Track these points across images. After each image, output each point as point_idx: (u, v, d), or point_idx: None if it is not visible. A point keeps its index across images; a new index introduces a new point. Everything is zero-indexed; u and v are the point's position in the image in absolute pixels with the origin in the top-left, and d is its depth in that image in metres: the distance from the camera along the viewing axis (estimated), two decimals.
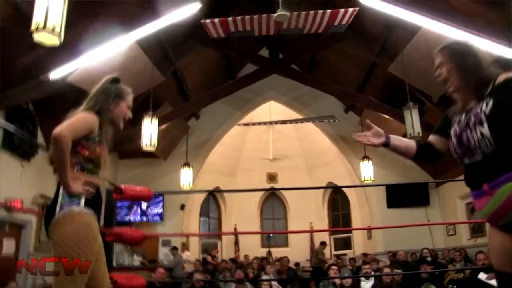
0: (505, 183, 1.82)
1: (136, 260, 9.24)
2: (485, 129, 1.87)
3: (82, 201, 2.19)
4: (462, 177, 2.09)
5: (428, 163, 2.38)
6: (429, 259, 7.87)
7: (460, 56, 2.03)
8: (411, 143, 2.35)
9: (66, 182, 2.14)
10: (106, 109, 2.39)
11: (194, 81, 10.22)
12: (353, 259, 10.64)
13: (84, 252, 2.08)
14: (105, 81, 2.48)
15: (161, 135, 8.00)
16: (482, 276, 6.06)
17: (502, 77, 1.93)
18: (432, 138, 2.31)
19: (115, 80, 2.51)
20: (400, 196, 11.03)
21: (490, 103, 1.88)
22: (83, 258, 2.07)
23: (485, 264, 6.21)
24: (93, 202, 2.24)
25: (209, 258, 11.12)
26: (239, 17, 6.10)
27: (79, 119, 2.23)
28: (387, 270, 6.52)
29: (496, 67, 2.00)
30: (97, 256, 2.20)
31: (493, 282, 5.71)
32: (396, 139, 2.35)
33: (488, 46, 5.60)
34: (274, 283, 7.14)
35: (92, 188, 2.24)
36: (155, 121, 7.41)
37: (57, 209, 2.15)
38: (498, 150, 1.85)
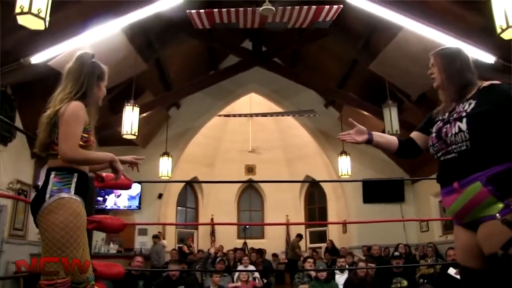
0: (473, 182, 1.93)
1: (113, 248, 9.21)
2: (463, 125, 2.00)
3: (72, 188, 2.18)
4: (436, 175, 2.21)
5: (408, 158, 2.51)
6: (397, 253, 8.04)
7: (448, 60, 2.21)
8: (392, 139, 2.46)
9: (110, 159, 2.27)
10: (90, 94, 2.32)
11: (176, 71, 10.17)
12: (328, 253, 10.81)
13: (74, 241, 2.08)
14: (83, 59, 2.35)
15: (141, 123, 7.96)
16: (451, 271, 6.26)
17: (487, 82, 2.10)
18: (414, 134, 2.43)
19: (93, 57, 2.39)
20: (376, 191, 11.21)
21: (473, 103, 2.04)
22: (74, 247, 2.08)
23: (455, 259, 6.41)
24: (82, 190, 2.23)
25: (184, 248, 11.15)
26: (224, 9, 6.10)
27: (72, 123, 2.15)
28: (362, 264, 6.67)
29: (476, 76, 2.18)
30: (85, 244, 2.20)
31: None
32: (378, 136, 2.46)
33: (465, 49, 5.75)
34: (255, 274, 7.23)
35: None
36: (137, 109, 7.37)
37: (47, 196, 2.13)
38: (472, 148, 1.97)
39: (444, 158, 2.10)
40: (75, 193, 2.18)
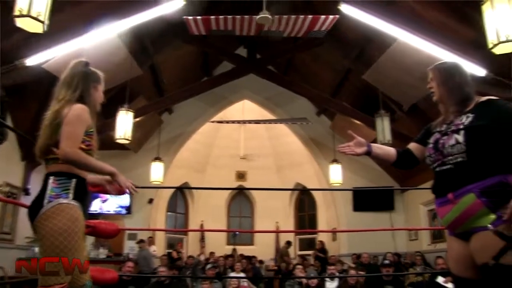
0: (467, 193, 1.99)
1: (102, 253, 9.14)
2: (461, 137, 2.05)
3: (71, 194, 2.16)
4: (425, 184, 2.26)
5: (405, 169, 2.55)
6: (387, 261, 8.13)
7: (447, 74, 2.26)
8: (391, 151, 2.50)
9: (111, 172, 2.26)
10: (87, 95, 2.33)
11: (170, 76, 10.17)
12: (318, 260, 10.83)
13: (72, 246, 2.07)
14: (78, 65, 2.39)
15: (133, 128, 7.95)
16: (440, 279, 6.33)
17: (485, 98, 2.15)
18: (412, 145, 2.48)
19: (86, 64, 2.43)
20: (366, 200, 11.27)
21: (471, 116, 2.09)
22: (72, 253, 2.06)
23: (443, 268, 6.52)
24: (80, 195, 2.21)
25: (174, 254, 11.08)
26: (221, 17, 6.14)
27: (76, 123, 2.17)
28: (353, 272, 6.71)
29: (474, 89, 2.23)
30: (83, 249, 2.20)
31: (450, 285, 6.02)
32: (377, 147, 2.50)
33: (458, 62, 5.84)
34: (243, 280, 7.24)
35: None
36: (131, 114, 7.37)
37: (45, 201, 2.11)
38: (468, 160, 2.02)
39: (440, 169, 2.15)
40: (74, 198, 2.16)
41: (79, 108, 2.22)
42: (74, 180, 2.20)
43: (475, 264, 1.99)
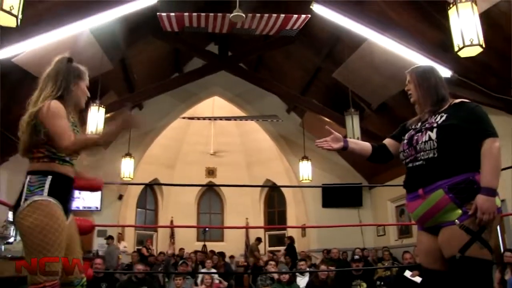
0: (437, 189, 2.12)
1: None
2: (433, 134, 2.18)
3: (46, 190, 2.15)
4: (393, 181, 2.40)
5: (380, 163, 2.66)
6: (357, 257, 8.33)
7: (423, 77, 2.39)
8: (366, 146, 2.61)
9: (112, 134, 2.37)
10: (68, 92, 2.32)
11: (141, 71, 10.07)
12: (288, 256, 10.96)
13: (53, 243, 2.07)
14: (60, 62, 2.38)
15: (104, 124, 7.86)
16: (407, 273, 6.55)
17: (459, 100, 2.30)
18: (387, 141, 2.60)
19: (69, 60, 2.41)
20: (335, 196, 11.43)
21: (444, 116, 2.23)
22: (52, 250, 2.06)
23: (410, 262, 6.75)
24: (59, 192, 2.20)
25: (143, 250, 11.03)
26: (195, 14, 6.15)
27: (56, 119, 2.17)
28: (324, 267, 6.87)
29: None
30: (67, 245, 2.19)
31: (417, 279, 6.23)
32: (353, 143, 2.61)
33: (424, 62, 6.07)
34: (215, 276, 7.30)
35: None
36: (102, 110, 7.30)
37: (22, 200, 2.14)
38: (438, 157, 2.15)
39: (412, 165, 2.27)
40: (50, 195, 2.15)
41: (50, 104, 2.20)
42: (49, 177, 2.20)
43: (443, 256, 2.13)
